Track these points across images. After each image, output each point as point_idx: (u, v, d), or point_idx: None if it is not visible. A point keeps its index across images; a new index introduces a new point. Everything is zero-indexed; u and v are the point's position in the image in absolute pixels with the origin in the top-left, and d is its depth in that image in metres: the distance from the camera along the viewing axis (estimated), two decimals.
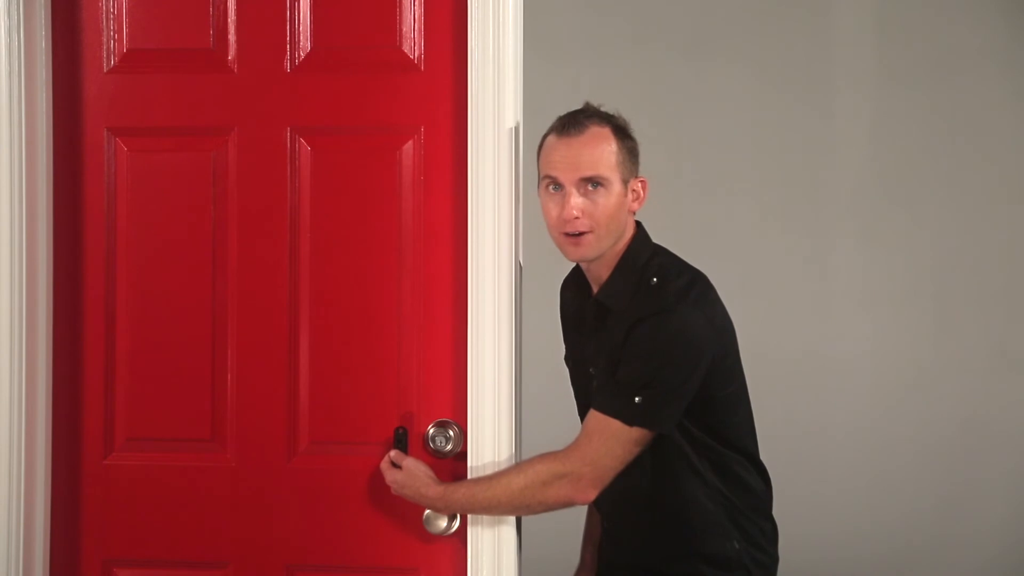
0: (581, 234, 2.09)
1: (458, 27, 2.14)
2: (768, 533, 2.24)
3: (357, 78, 2.17)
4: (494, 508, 2.06)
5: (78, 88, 2.23)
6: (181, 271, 2.21)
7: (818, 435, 3.98)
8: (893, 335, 4.04)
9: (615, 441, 2.04)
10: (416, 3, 2.16)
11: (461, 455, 2.13)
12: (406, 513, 2.15)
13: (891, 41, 4.05)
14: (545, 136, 2.15)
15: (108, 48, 2.23)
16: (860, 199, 4.07)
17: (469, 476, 2.11)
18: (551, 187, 2.10)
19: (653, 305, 2.07)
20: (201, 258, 2.21)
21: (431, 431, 2.14)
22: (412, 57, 2.17)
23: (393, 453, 2.12)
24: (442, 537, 2.14)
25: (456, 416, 2.15)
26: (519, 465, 2.08)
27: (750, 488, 2.19)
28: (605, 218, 2.09)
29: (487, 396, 2.10)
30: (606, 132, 2.11)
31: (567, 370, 2.37)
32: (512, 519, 2.12)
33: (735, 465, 2.17)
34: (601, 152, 2.09)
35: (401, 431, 2.12)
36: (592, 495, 2.05)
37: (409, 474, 2.09)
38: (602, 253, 2.13)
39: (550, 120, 2.17)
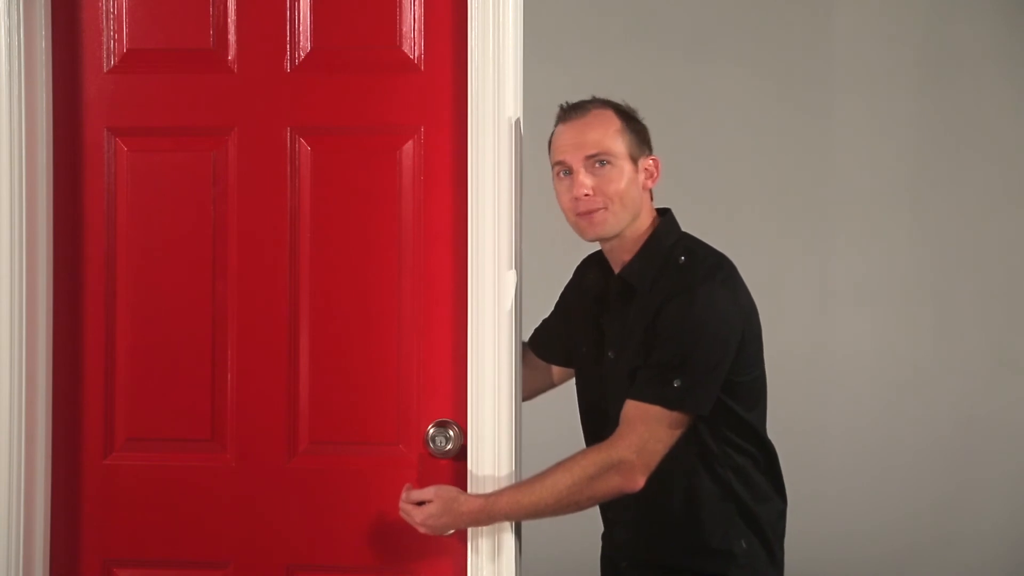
0: (594, 211, 2.10)
1: (458, 27, 2.14)
2: (779, 532, 2.20)
3: (357, 78, 2.17)
4: (542, 511, 2.01)
5: (78, 88, 2.23)
6: (181, 271, 2.21)
7: (818, 435, 3.98)
8: (893, 335, 4.03)
9: (659, 426, 2.01)
10: (416, 3, 2.16)
11: (461, 455, 2.13)
12: None
13: (891, 41, 4.05)
14: (553, 130, 2.17)
15: (108, 48, 2.23)
16: (860, 199, 4.07)
17: (469, 476, 2.10)
18: (562, 173, 2.13)
19: (681, 283, 2.07)
20: (201, 258, 2.21)
21: (431, 431, 2.14)
22: (412, 57, 2.17)
23: (415, 493, 2.04)
24: (442, 537, 2.13)
25: (456, 416, 2.15)
26: (562, 463, 2.02)
27: (760, 485, 2.16)
28: (616, 194, 2.10)
29: (487, 396, 2.10)
30: (608, 113, 2.14)
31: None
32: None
33: (749, 460, 2.14)
34: (605, 130, 2.11)
35: None
36: (641, 482, 2.01)
37: (441, 500, 2.03)
38: (619, 231, 2.13)
39: (550, 120, 2.17)
